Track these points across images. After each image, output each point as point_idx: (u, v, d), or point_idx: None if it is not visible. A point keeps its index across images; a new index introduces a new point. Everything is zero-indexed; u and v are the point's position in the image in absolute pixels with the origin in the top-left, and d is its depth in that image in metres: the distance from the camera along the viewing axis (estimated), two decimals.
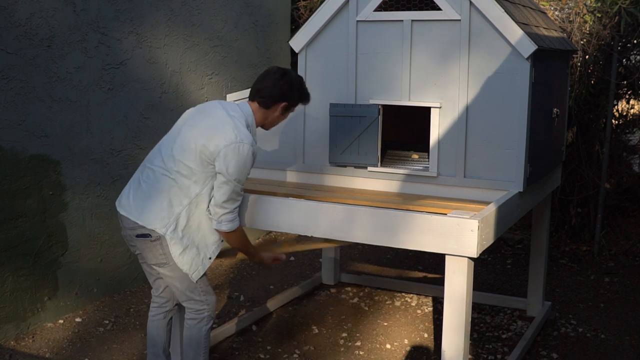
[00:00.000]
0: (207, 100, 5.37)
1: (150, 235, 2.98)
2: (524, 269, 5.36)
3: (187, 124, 3.06)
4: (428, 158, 3.56)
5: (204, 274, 3.13)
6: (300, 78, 3.18)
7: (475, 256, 2.77)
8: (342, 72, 3.61)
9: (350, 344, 4.07)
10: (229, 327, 4.13)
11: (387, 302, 4.70)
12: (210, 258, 3.10)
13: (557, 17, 5.62)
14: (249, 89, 3.81)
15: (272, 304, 4.53)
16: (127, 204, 3.03)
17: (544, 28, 3.69)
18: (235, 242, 3.10)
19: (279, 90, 3.07)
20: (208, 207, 3.00)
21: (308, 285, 4.88)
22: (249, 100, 3.13)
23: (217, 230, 3.03)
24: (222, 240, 3.14)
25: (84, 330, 4.19)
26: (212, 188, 2.97)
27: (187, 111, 3.18)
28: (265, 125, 3.18)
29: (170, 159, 2.98)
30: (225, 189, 2.93)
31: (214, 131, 2.93)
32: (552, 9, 5.69)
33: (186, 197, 2.96)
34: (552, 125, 3.73)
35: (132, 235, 3.03)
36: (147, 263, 3.14)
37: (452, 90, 3.37)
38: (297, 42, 3.70)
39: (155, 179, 2.99)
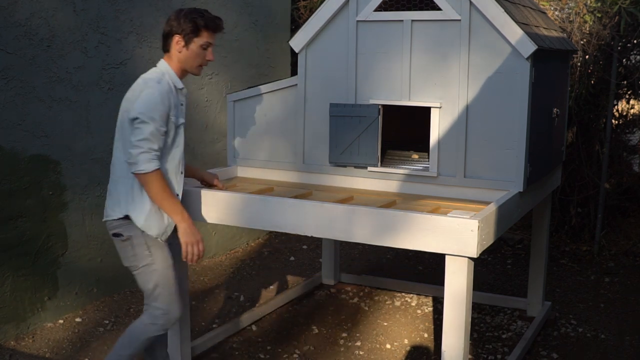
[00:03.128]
0: (207, 101, 5.38)
1: (122, 234, 2.99)
2: (524, 269, 5.36)
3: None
4: (428, 158, 3.56)
5: (175, 292, 3.08)
6: (195, 8, 3.05)
7: (475, 256, 2.77)
8: (342, 72, 3.61)
9: (350, 344, 4.07)
10: (229, 327, 4.14)
11: (387, 302, 4.70)
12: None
13: (557, 17, 5.62)
14: (249, 88, 3.82)
15: (272, 304, 4.54)
16: (104, 209, 3.08)
17: (544, 28, 3.69)
18: (152, 188, 2.88)
19: (166, 27, 3.02)
20: None
21: (308, 285, 4.88)
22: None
23: (134, 174, 2.89)
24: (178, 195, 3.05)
25: (84, 330, 4.19)
26: None
27: None
28: (188, 69, 3.06)
29: (115, 144, 3.03)
30: (138, 128, 2.85)
31: (128, 92, 2.98)
32: (552, 9, 5.69)
33: (126, 170, 2.96)
34: (552, 125, 3.73)
35: (111, 236, 3.05)
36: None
37: (452, 90, 3.37)
38: (297, 42, 3.70)
39: (112, 171, 3.06)
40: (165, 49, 3.04)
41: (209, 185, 3.48)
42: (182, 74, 3.07)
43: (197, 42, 3.00)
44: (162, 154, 2.96)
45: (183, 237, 2.97)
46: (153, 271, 3.00)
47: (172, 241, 3.12)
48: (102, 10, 4.39)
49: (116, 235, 3.02)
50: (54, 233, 4.25)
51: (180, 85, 3.03)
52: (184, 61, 3.02)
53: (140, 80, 2.99)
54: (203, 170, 3.53)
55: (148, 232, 2.98)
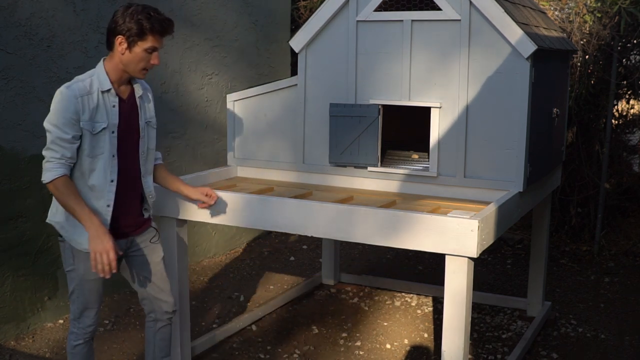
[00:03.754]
0: (207, 101, 5.38)
1: (60, 235, 2.92)
2: (524, 269, 5.36)
3: None
4: (428, 158, 3.56)
5: (98, 300, 2.98)
6: (144, 7, 2.76)
7: (475, 256, 2.77)
8: (342, 72, 3.61)
9: (350, 344, 4.07)
10: (229, 327, 4.14)
11: (387, 302, 4.70)
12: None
13: (557, 17, 5.62)
14: (249, 88, 3.78)
15: (272, 304, 4.53)
16: None
17: (544, 28, 3.69)
18: (57, 197, 2.76)
19: (111, 23, 2.75)
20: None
21: (308, 285, 4.88)
22: None
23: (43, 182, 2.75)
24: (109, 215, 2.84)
25: None
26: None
27: None
28: (130, 72, 2.79)
29: None
30: (47, 136, 2.72)
31: None
32: (552, 9, 5.69)
33: None
34: (552, 125, 3.73)
35: None
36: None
37: (452, 90, 3.37)
38: (297, 42, 3.70)
39: None
40: (109, 47, 2.78)
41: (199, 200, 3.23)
42: (122, 75, 2.80)
43: (142, 45, 2.74)
44: (82, 164, 2.76)
45: (90, 244, 2.72)
46: (73, 278, 2.94)
47: (133, 253, 3.03)
48: (102, 10, 4.39)
49: (59, 234, 2.95)
50: (54, 233, 4.23)
51: (106, 86, 2.76)
52: (126, 64, 2.77)
53: None
54: (188, 186, 3.19)
55: (79, 248, 2.84)
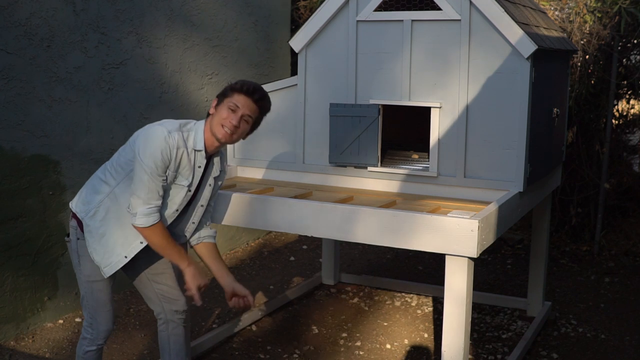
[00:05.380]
0: (207, 101, 5.38)
1: (67, 234, 2.94)
2: (524, 269, 5.36)
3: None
4: (428, 158, 3.56)
5: (109, 301, 2.96)
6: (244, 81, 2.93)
7: (475, 256, 2.76)
8: (342, 72, 3.61)
9: (350, 344, 4.07)
10: (229, 327, 4.14)
11: (387, 302, 4.70)
12: (126, 257, 2.87)
13: (557, 17, 5.62)
14: None
15: (272, 304, 4.53)
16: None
17: (544, 28, 3.69)
18: (152, 241, 2.83)
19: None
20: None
21: (308, 285, 4.88)
22: None
23: (133, 226, 2.79)
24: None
25: None
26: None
27: None
28: (213, 129, 2.85)
29: (106, 165, 2.92)
30: (138, 175, 2.73)
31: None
32: (552, 9, 5.69)
33: (107, 186, 2.84)
34: (552, 125, 3.73)
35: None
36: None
37: (452, 90, 3.37)
38: (297, 42, 3.70)
39: (91, 179, 2.96)
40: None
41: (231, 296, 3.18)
42: (213, 141, 2.89)
43: (226, 103, 2.83)
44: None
45: (192, 281, 2.98)
46: (80, 281, 2.94)
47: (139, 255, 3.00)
48: (102, 10, 4.39)
49: (66, 235, 2.97)
50: (54, 233, 4.25)
51: (199, 147, 2.85)
52: (215, 124, 2.84)
53: None
54: (231, 280, 3.15)
55: (94, 258, 2.86)
